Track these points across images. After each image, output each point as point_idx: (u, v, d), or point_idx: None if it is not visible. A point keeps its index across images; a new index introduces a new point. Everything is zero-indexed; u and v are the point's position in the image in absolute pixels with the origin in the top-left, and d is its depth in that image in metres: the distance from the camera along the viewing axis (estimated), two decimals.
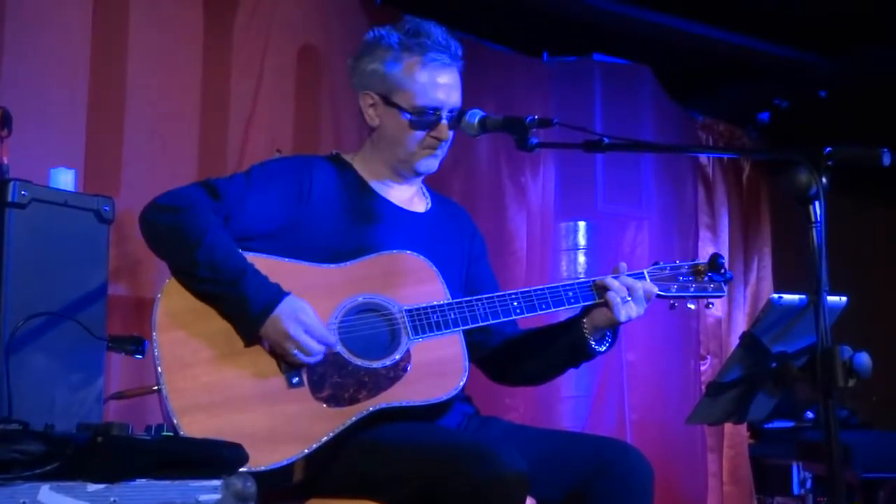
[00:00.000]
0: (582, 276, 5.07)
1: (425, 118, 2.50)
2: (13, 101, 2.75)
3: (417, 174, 2.59)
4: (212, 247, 2.26)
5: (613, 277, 2.45)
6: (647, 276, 2.51)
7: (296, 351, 2.25)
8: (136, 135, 3.66)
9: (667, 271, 2.54)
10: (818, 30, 5.27)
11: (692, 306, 2.61)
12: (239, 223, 2.38)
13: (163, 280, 2.31)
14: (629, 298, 2.43)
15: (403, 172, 2.58)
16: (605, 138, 2.31)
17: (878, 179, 5.27)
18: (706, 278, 2.56)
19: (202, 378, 2.23)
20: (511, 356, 2.62)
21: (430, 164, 2.57)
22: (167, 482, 1.87)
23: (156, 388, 2.25)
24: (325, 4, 4.38)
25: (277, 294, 2.26)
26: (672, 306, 2.58)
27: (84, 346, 2.53)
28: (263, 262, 2.31)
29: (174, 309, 2.28)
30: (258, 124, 4.00)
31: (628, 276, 2.47)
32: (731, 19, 5.20)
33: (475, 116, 2.51)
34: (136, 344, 2.81)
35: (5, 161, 2.55)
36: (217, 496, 1.90)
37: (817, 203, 1.96)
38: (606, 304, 2.43)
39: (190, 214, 2.30)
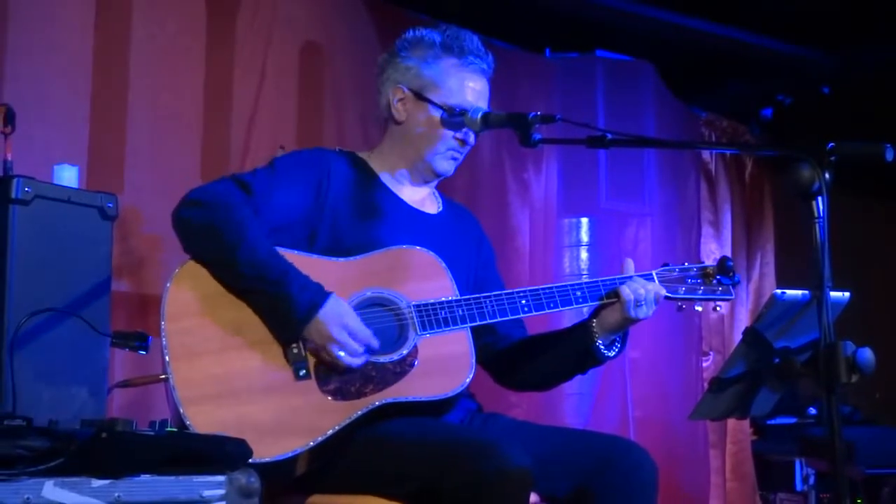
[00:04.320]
0: (585, 272, 5.07)
1: (454, 118, 2.51)
2: (17, 98, 2.75)
3: (434, 174, 2.60)
4: (253, 246, 2.26)
5: (623, 281, 2.46)
6: (655, 278, 2.52)
7: (339, 353, 2.25)
8: (139, 132, 3.65)
9: (675, 273, 2.55)
10: (821, 26, 5.25)
11: (700, 308, 2.62)
12: (262, 216, 2.37)
13: (166, 276, 2.31)
14: (642, 303, 2.44)
15: (421, 171, 2.59)
16: (607, 134, 2.31)
17: (882, 175, 5.26)
18: (714, 281, 2.56)
19: (210, 369, 2.23)
20: (518, 359, 2.62)
21: (449, 167, 2.58)
22: (171, 478, 1.87)
23: (163, 376, 2.24)
24: (328, 2, 4.38)
25: (320, 294, 2.26)
26: (680, 308, 2.59)
27: (88, 342, 2.52)
28: None
29: (184, 298, 2.27)
30: (261, 121, 3.99)
31: (638, 276, 2.48)
32: (734, 15, 5.20)
33: (478, 112, 2.52)
34: (140, 340, 2.80)
35: (9, 158, 2.54)
36: (221, 491, 1.90)
37: (820, 199, 1.96)
38: (619, 301, 2.43)
39: (226, 212, 2.29)
